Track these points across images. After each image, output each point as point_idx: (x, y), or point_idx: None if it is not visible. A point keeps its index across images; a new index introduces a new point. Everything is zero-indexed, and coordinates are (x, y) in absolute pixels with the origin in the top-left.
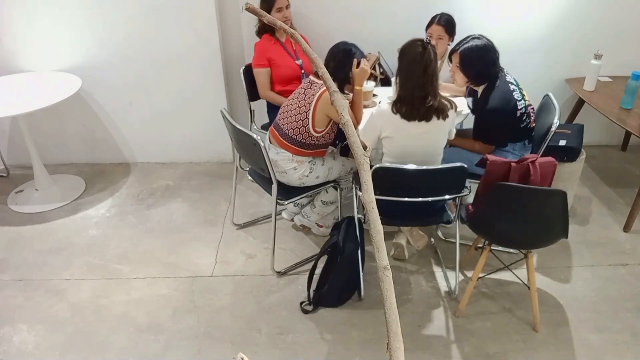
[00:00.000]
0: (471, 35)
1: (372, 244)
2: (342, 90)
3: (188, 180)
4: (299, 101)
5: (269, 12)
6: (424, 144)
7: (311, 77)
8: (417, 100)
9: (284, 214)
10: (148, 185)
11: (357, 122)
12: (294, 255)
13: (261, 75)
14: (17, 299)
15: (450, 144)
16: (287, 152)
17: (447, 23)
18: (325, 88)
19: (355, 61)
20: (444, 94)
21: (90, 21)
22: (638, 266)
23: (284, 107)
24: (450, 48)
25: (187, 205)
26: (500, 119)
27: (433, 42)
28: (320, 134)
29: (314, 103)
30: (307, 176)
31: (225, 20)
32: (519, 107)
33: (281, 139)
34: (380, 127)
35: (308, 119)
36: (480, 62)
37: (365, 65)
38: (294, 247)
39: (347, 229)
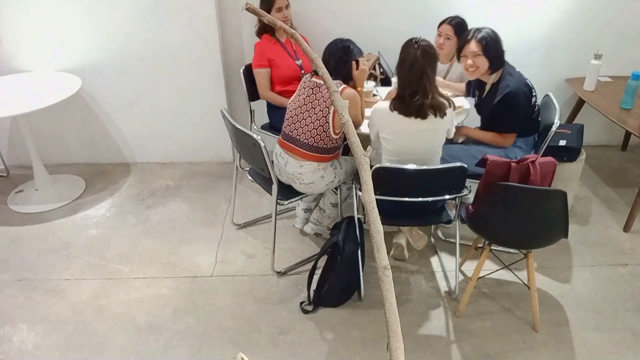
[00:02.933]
0: (473, 29)
1: (372, 244)
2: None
3: (188, 180)
4: (312, 107)
5: (268, 12)
6: (422, 142)
7: (314, 80)
8: (407, 97)
9: (296, 224)
10: (148, 185)
11: (359, 123)
12: (294, 255)
13: (261, 76)
14: (17, 299)
15: (467, 137)
16: (313, 162)
17: (457, 25)
18: (342, 87)
19: (354, 64)
20: (445, 92)
21: (91, 21)
22: (638, 266)
23: (293, 117)
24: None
25: (187, 205)
26: (521, 102)
27: (441, 40)
28: (339, 135)
29: (333, 107)
30: (332, 181)
31: (225, 20)
32: (533, 94)
33: (303, 150)
34: (378, 125)
35: (328, 123)
36: (498, 46)
37: (364, 65)
38: (294, 247)
39: (347, 229)
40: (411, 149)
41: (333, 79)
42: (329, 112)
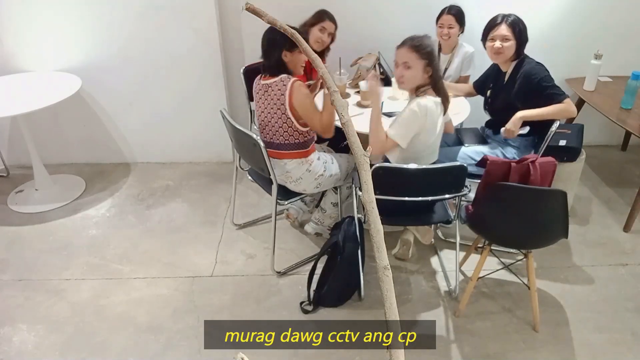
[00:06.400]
0: (500, 14)
1: (372, 244)
2: (285, 71)
3: (188, 180)
4: (271, 109)
5: (312, 26)
6: (436, 137)
7: (261, 82)
8: (443, 97)
9: (290, 210)
10: (148, 185)
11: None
12: (294, 255)
13: None
14: (17, 299)
15: (526, 122)
16: (294, 159)
17: (457, 13)
18: (292, 80)
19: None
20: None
21: (91, 21)
22: (638, 266)
23: (261, 124)
24: (460, 40)
25: (187, 205)
26: (547, 71)
27: (445, 31)
28: (308, 128)
29: (287, 102)
30: (322, 175)
31: (225, 20)
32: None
33: (280, 151)
34: (420, 125)
35: (290, 119)
36: (526, 32)
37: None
38: (294, 247)
39: (347, 229)
40: (428, 146)
41: (274, 74)
42: (286, 108)
